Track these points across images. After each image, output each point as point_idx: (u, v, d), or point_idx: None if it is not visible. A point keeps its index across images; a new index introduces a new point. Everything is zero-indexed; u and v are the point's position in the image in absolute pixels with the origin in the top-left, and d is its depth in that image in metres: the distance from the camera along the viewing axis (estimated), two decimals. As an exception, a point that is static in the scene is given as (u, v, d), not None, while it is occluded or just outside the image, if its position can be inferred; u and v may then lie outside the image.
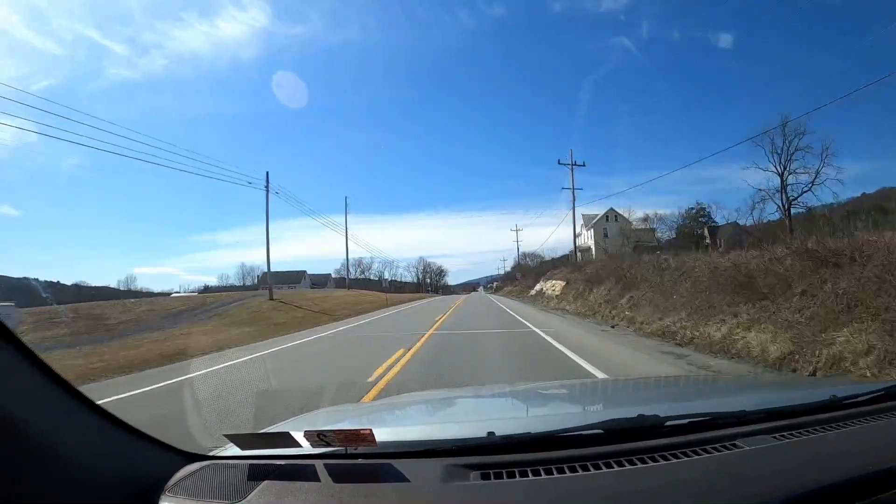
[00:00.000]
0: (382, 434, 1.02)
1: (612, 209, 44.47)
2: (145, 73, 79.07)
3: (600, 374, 5.90)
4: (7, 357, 0.76)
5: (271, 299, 27.66)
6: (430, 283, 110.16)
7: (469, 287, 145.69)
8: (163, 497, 0.90)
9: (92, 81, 75.11)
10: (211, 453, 1.13)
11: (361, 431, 0.98)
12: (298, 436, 1.01)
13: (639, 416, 1.11)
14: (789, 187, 29.66)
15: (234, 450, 1.10)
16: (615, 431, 1.08)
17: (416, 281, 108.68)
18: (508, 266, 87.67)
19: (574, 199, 30.40)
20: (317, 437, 0.99)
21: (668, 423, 1.12)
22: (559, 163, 30.88)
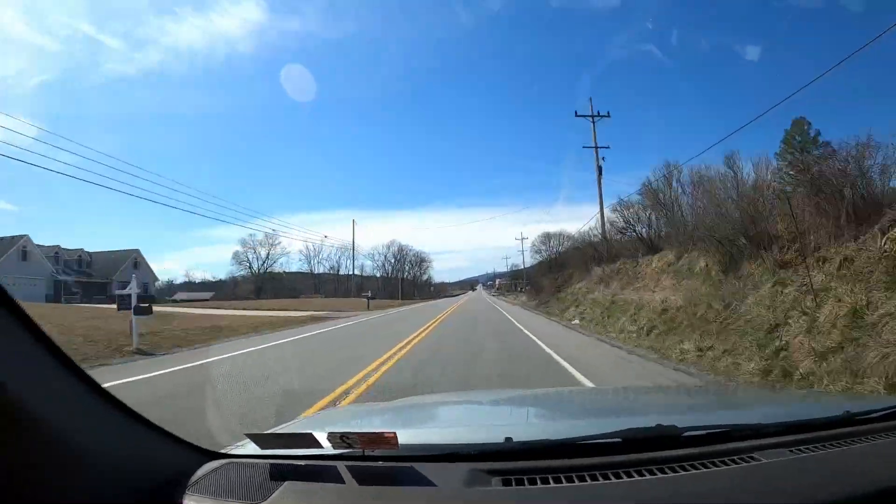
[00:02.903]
0: (403, 436, 1.02)
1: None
2: (140, 68, 77.01)
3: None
4: (27, 347, 0.74)
5: None
6: (404, 278, 79.00)
7: (466, 285, 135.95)
8: (186, 495, 0.90)
9: (88, 77, 73.27)
10: (228, 451, 1.13)
11: (385, 434, 0.98)
12: (321, 437, 1.01)
13: (657, 425, 1.11)
14: None
15: (251, 447, 1.10)
16: (633, 441, 1.08)
17: (386, 276, 79.96)
18: (527, 259, 55.84)
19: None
20: (339, 438, 0.99)
21: (685, 434, 1.12)
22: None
